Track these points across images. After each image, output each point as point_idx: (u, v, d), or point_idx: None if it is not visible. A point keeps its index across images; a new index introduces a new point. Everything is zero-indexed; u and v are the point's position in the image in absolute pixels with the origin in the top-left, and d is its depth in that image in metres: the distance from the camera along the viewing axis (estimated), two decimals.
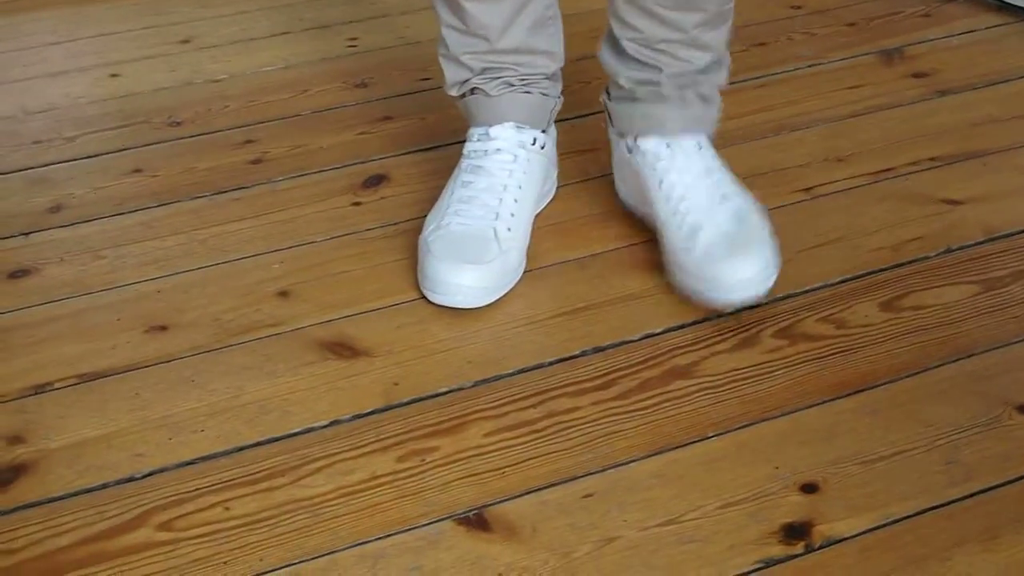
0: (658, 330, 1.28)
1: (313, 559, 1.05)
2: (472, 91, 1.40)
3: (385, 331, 1.29)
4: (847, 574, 1.02)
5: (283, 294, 1.35)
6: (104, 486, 1.12)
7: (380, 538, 1.07)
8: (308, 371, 1.24)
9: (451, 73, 1.41)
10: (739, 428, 1.16)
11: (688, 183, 1.33)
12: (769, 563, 1.04)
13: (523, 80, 1.39)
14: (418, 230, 1.38)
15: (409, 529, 1.07)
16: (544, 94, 1.41)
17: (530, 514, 1.08)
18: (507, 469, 1.12)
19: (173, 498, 1.10)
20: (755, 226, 1.31)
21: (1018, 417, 1.17)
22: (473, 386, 1.21)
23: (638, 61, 1.35)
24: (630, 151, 1.38)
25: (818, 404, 1.19)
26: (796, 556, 1.04)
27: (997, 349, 1.26)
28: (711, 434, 1.15)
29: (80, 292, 1.36)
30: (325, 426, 1.18)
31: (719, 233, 1.29)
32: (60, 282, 1.38)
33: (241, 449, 1.15)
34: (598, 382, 1.22)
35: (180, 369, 1.25)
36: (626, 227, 1.43)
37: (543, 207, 1.47)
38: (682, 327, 1.29)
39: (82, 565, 1.05)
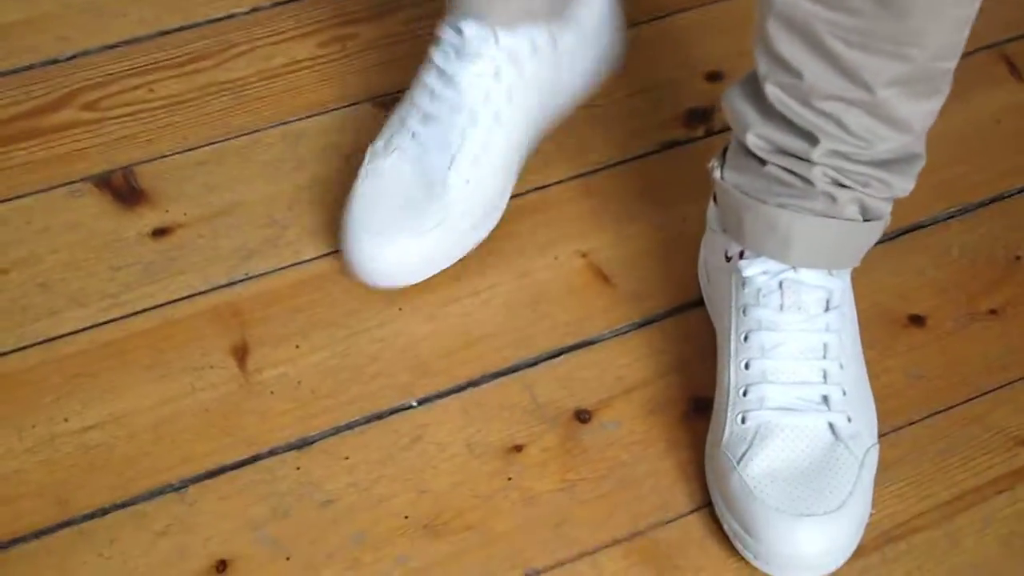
0: None
1: (236, 137, 1.09)
2: None
3: None
4: None
5: None
6: (30, 67, 1.14)
7: (301, 118, 1.11)
8: None
9: None
10: (656, 19, 1.19)
11: (782, 359, 0.88)
12: (670, 145, 1.09)
13: None
14: None
15: (329, 111, 1.11)
16: None
17: None
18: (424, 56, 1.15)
19: (97, 79, 1.13)
20: (847, 467, 0.86)
21: None
22: None
23: (783, 119, 0.85)
24: (728, 260, 0.92)
25: None
26: (696, 139, 1.10)
27: None
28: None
29: None
30: (246, 12, 1.19)
31: (788, 462, 0.86)
32: None
33: (164, 33, 1.17)
34: None
35: None
36: None
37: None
38: None
39: (11, 141, 1.08)
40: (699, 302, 0.99)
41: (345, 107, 1.11)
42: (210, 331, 0.97)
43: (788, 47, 0.81)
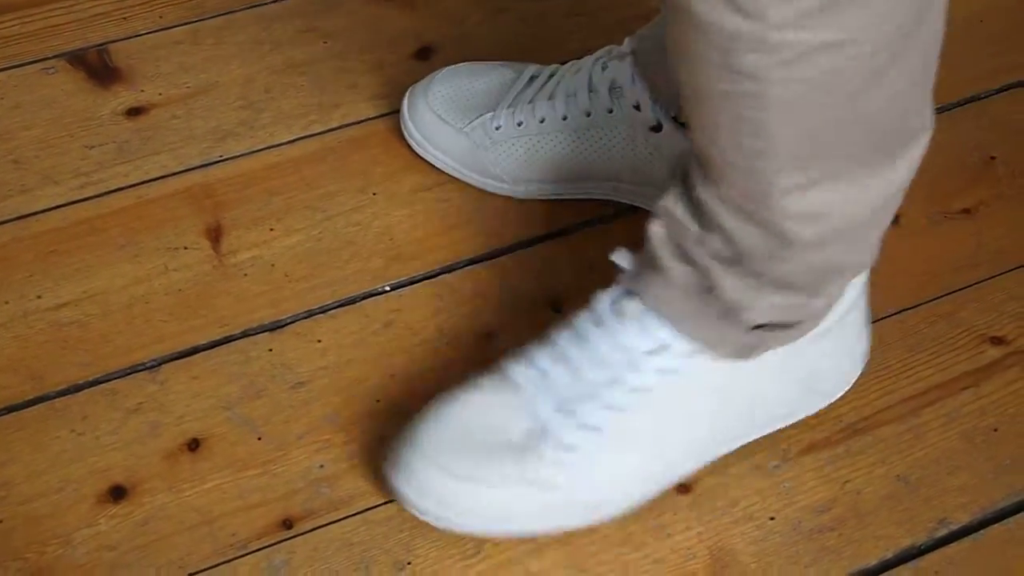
0: None
1: (212, 17, 1.09)
2: None
3: None
4: None
5: None
6: None
7: (276, 0, 1.10)
8: None
9: None
10: None
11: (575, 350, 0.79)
12: None
13: None
14: None
15: None
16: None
17: None
18: None
19: None
20: (511, 426, 0.79)
21: None
22: None
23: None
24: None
25: None
26: None
27: None
28: None
29: None
30: None
31: (458, 414, 0.81)
32: None
33: None
34: None
35: None
36: None
37: None
38: None
39: None
40: None
41: None
42: (184, 212, 0.97)
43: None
